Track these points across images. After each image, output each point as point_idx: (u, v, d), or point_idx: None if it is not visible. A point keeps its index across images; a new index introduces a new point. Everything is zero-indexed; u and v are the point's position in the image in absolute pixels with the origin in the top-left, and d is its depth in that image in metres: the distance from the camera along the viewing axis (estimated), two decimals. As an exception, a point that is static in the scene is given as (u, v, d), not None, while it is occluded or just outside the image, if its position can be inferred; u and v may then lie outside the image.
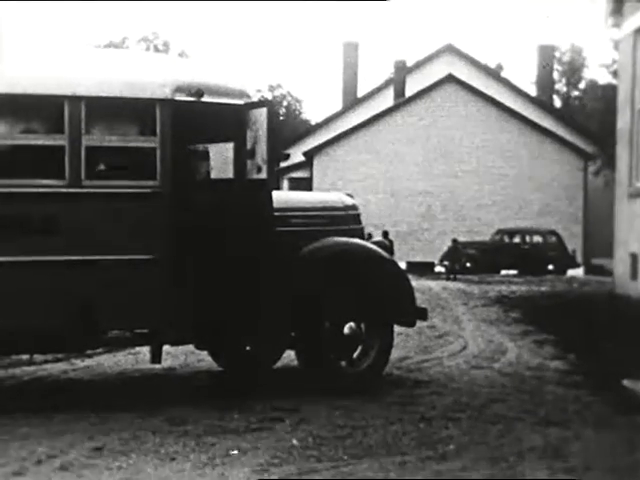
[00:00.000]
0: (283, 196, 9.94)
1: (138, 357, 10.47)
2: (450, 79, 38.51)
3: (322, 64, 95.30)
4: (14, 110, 7.81)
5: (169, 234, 8.08)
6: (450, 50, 44.22)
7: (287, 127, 56.14)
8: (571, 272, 32.23)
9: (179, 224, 8.16)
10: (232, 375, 9.79)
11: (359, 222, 9.76)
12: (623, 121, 18.68)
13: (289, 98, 65.62)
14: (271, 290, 8.44)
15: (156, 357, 8.36)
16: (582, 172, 37.74)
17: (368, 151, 37.94)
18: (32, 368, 9.79)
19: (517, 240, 33.98)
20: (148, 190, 8.04)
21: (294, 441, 6.86)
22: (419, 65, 44.03)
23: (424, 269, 32.04)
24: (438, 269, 32.44)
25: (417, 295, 9.82)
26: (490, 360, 10.73)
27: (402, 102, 39.17)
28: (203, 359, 10.31)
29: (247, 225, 8.46)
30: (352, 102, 44.53)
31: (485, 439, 7.04)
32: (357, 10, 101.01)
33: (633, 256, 17.44)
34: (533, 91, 46.19)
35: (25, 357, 9.46)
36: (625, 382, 9.04)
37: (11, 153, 7.81)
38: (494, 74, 45.88)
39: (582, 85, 60.16)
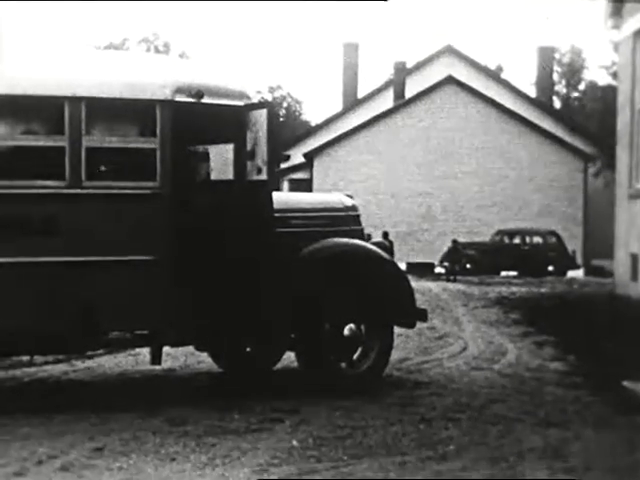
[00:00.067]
0: (283, 197, 9.94)
1: (138, 358, 10.47)
2: (450, 80, 38.51)
3: (322, 65, 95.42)
4: (14, 111, 7.82)
5: (169, 235, 8.08)
6: (450, 51, 44.22)
7: (287, 128, 56.16)
8: (571, 273, 32.22)
9: (179, 225, 8.17)
10: (232, 376, 9.79)
11: (359, 223, 9.77)
12: (623, 122, 18.70)
13: (289, 99, 65.66)
14: (271, 291, 8.44)
15: (156, 358, 8.36)
16: (582, 173, 37.74)
17: (368, 152, 37.94)
18: (33, 369, 9.80)
19: (517, 241, 33.96)
20: (148, 191, 8.05)
21: (294, 442, 6.87)
22: (419, 66, 44.03)
23: (424, 270, 32.02)
24: (438, 270, 32.42)
25: (417, 296, 9.83)
26: (490, 361, 10.73)
27: (402, 103, 39.17)
28: (203, 360, 10.32)
29: (247, 226, 8.47)
30: (352, 103, 44.53)
31: (485, 440, 7.04)
32: (357, 11, 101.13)
33: (633, 257, 17.45)
34: (533, 92, 46.19)
35: (25, 358, 9.46)
36: (625, 383, 9.05)
37: (11, 154, 7.82)
38: (494, 75, 45.90)
39: (582, 86, 60.18)
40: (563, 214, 37.61)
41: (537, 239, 33.94)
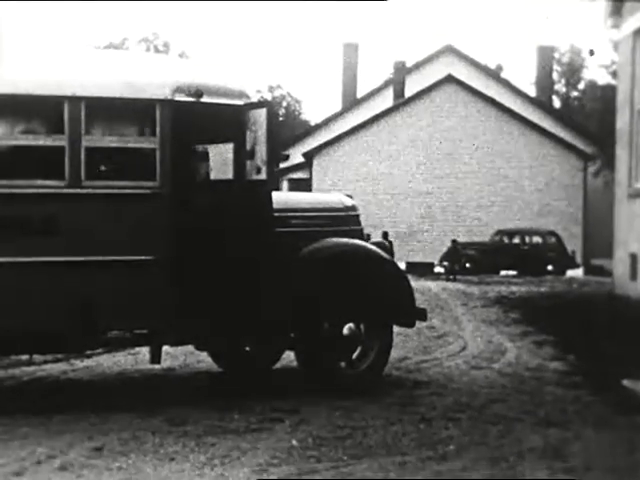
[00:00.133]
0: (283, 197, 9.94)
1: (138, 357, 10.47)
2: (450, 80, 38.50)
3: (322, 65, 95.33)
4: (14, 111, 7.81)
5: (169, 235, 8.08)
6: (450, 51, 44.21)
7: (287, 128, 56.15)
8: (570, 273, 32.21)
9: (179, 225, 8.16)
10: (232, 376, 9.79)
11: (359, 223, 9.76)
12: (622, 121, 18.69)
13: (289, 99, 65.64)
14: (271, 291, 8.44)
15: (155, 357, 8.36)
16: (582, 173, 37.74)
17: (368, 152, 37.93)
18: (32, 368, 9.79)
19: (517, 241, 33.97)
20: (148, 191, 8.04)
21: (294, 441, 6.86)
22: (419, 66, 44.01)
23: (424, 270, 32.01)
24: (438, 270, 32.43)
25: (416, 296, 9.82)
26: (490, 361, 10.73)
27: (402, 103, 39.16)
28: (202, 360, 10.31)
29: (247, 226, 8.47)
30: (352, 103, 44.52)
31: (485, 439, 7.04)
32: (357, 11, 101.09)
33: (633, 256, 17.45)
34: (533, 92, 46.20)
35: (25, 357, 9.46)
36: (625, 382, 9.04)
37: (11, 154, 7.82)
38: (494, 75, 45.88)
39: (581, 86, 60.18)
40: (563, 214, 37.62)
41: (537, 239, 33.94)
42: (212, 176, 9.20)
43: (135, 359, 10.46)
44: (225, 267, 8.39)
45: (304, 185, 37.18)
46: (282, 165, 38.72)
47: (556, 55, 53.42)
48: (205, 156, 9.20)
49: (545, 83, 45.63)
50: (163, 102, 8.09)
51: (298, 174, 39.18)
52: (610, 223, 19.75)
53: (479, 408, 8.14)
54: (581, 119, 47.39)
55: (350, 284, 8.82)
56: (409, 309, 9.26)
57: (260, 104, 8.78)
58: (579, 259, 35.78)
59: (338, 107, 45.82)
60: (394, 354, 9.73)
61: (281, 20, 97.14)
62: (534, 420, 7.70)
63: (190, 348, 9.78)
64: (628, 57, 18.24)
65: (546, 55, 45.72)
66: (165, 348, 8.74)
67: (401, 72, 42.46)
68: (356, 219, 9.74)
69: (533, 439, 7.06)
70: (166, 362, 9.87)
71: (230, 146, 8.72)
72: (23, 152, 7.81)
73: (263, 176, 8.37)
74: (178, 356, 10.50)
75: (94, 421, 7.42)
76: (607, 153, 29.90)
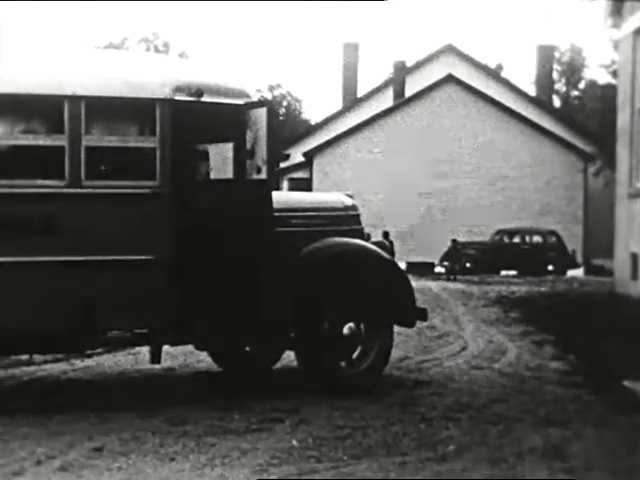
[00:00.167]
0: (283, 196, 9.93)
1: (138, 357, 10.47)
2: (450, 79, 38.50)
3: (322, 64, 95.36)
4: (14, 110, 7.80)
5: (169, 234, 8.07)
6: (450, 50, 44.19)
7: (287, 127, 56.14)
8: (571, 272, 32.21)
9: (179, 224, 8.16)
10: (232, 375, 9.78)
11: (359, 222, 9.75)
12: (623, 121, 18.69)
13: (289, 98, 65.62)
14: (271, 290, 8.43)
15: (156, 357, 8.35)
16: (582, 172, 37.72)
17: (368, 151, 37.93)
18: (32, 368, 9.79)
19: (517, 240, 33.98)
20: (148, 190, 8.04)
21: (294, 442, 6.85)
22: (419, 65, 44.00)
23: (424, 269, 32.01)
24: (438, 269, 32.43)
25: (417, 295, 9.82)
26: (490, 360, 10.73)
27: (402, 102, 39.16)
28: (202, 359, 10.31)
29: (247, 225, 8.46)
30: (352, 102, 44.51)
31: (485, 440, 7.03)
32: (357, 10, 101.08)
33: (633, 256, 17.44)
34: (533, 91, 46.19)
35: (25, 357, 9.45)
36: (625, 382, 9.04)
37: (11, 153, 7.81)
38: (494, 74, 45.86)
39: (582, 85, 60.17)
40: (563, 213, 37.61)
41: (537, 238, 33.94)
42: (212, 175, 9.20)
43: (135, 359, 10.45)
44: (225, 267, 8.38)
45: (304, 184, 37.16)
46: (282, 164, 38.73)
47: (556, 54, 53.39)
48: (205, 155, 9.20)
49: (545, 82, 45.61)
50: (163, 101, 8.09)
51: (298, 174, 39.16)
52: (611, 222, 19.75)
53: (479, 408, 8.14)
54: (581, 118, 47.39)
55: (350, 284, 8.82)
56: (409, 309, 9.26)
57: (260, 103, 8.78)
58: (579, 259, 35.77)
59: (338, 107, 45.81)
60: (394, 354, 9.72)
61: (281, 20, 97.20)
62: (534, 420, 7.70)
63: (190, 348, 9.78)
64: (628, 56, 18.24)
65: (546, 54, 45.70)
66: (165, 348, 8.73)
67: (401, 72, 42.45)
68: (356, 219, 9.73)
69: (533, 439, 7.06)
70: (166, 362, 9.86)
71: (230, 145, 8.71)
72: (23, 152, 7.80)
73: (263, 175, 8.37)
74: (178, 356, 10.50)
75: (94, 421, 7.41)
76: (607, 152, 29.89)
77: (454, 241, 31.97)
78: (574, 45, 61.96)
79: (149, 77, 8.22)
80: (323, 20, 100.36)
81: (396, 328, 9.26)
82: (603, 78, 40.50)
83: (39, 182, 7.72)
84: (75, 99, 7.80)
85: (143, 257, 7.96)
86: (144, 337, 8.32)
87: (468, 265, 31.79)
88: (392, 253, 10.33)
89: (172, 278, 8.07)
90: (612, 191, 20.78)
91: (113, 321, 7.99)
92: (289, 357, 9.59)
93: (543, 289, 22.24)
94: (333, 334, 8.67)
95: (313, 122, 54.91)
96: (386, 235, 28.51)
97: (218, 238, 8.46)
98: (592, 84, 52.30)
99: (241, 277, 8.35)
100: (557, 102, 55.55)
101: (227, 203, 8.65)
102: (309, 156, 38.54)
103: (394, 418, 7.66)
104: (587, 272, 34.19)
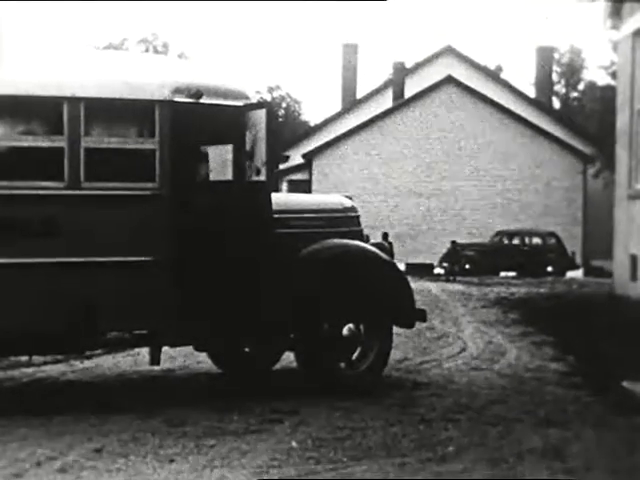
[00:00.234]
0: (282, 198, 9.93)
1: (137, 359, 10.46)
2: (449, 80, 38.51)
3: (321, 65, 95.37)
4: (13, 111, 7.80)
5: (168, 236, 8.07)
6: (449, 52, 44.22)
7: (286, 129, 56.15)
8: (570, 274, 32.21)
9: (178, 226, 8.16)
10: (231, 377, 9.78)
11: (358, 224, 9.76)
12: (622, 122, 18.69)
13: (288, 99, 65.63)
14: (270, 292, 8.43)
15: (155, 359, 8.35)
16: (581, 174, 37.73)
17: (367, 153, 37.94)
18: (31, 370, 9.79)
19: (516, 242, 33.98)
20: (147, 192, 8.04)
21: (293, 443, 6.85)
22: (418, 67, 44.04)
23: (423, 271, 31.99)
24: (437, 271, 32.42)
25: (416, 297, 9.82)
26: (489, 361, 10.73)
27: (401, 104, 39.17)
28: (202, 361, 10.31)
29: (246, 227, 8.46)
30: (351, 104, 44.53)
31: (485, 440, 7.03)
32: (357, 11, 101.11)
33: (633, 257, 17.45)
34: (532, 92, 46.21)
35: (24, 358, 9.45)
36: (625, 383, 9.04)
37: (10, 155, 7.81)
38: (493, 75, 45.90)
39: (581, 86, 60.22)
40: (562, 215, 37.62)
41: (536, 240, 33.96)
42: (211, 177, 9.20)
43: (135, 360, 10.45)
44: (225, 268, 8.38)
45: (303, 186, 37.16)
46: (282, 166, 38.71)
47: (556, 56, 53.43)
48: (205, 157, 9.20)
49: (545, 84, 45.64)
50: (162, 103, 8.09)
51: (298, 175, 39.17)
52: (610, 224, 19.75)
53: (479, 409, 8.14)
54: (581, 120, 47.44)
55: (350, 285, 8.82)
56: (409, 310, 9.26)
57: (259, 105, 8.77)
58: (579, 260, 35.79)
59: (338, 108, 45.83)
60: (394, 355, 9.72)
61: (281, 21, 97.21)
62: (534, 421, 7.70)
63: (189, 349, 9.77)
64: (628, 58, 18.24)
65: (546, 56, 45.73)
66: (164, 349, 8.74)
67: (401, 73, 42.47)
68: (356, 220, 9.74)
69: (533, 440, 7.06)
70: (165, 363, 9.86)
71: (229, 147, 8.71)
72: (22, 153, 7.80)
73: (262, 177, 8.37)
74: (177, 357, 10.50)
75: (94, 422, 7.41)
76: (607, 154, 29.89)
77: (453, 242, 31.98)
78: (573, 46, 62.10)
79: (148, 78, 8.22)
80: (322, 21, 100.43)
81: (395, 329, 9.26)
82: (602, 79, 40.64)
83: (38, 184, 7.72)
84: (74, 100, 7.80)
85: (142, 258, 7.96)
86: (143, 338, 8.32)
87: (467, 266, 31.79)
88: (391, 254, 10.34)
89: (171, 279, 8.07)
90: (611, 192, 20.79)
91: (113, 322, 7.98)
92: (289, 358, 9.59)
93: (542, 290, 22.23)
94: (332, 335, 8.68)
95: (312, 123, 54.92)
96: (385, 236, 28.52)
97: (217, 239, 8.46)
98: (591, 85, 52.40)
99: (240, 278, 8.36)
100: (556, 103, 55.58)
101: (226, 205, 8.65)
102: (308, 158, 38.55)
103: (393, 419, 7.66)
104: (586, 273, 34.19)
